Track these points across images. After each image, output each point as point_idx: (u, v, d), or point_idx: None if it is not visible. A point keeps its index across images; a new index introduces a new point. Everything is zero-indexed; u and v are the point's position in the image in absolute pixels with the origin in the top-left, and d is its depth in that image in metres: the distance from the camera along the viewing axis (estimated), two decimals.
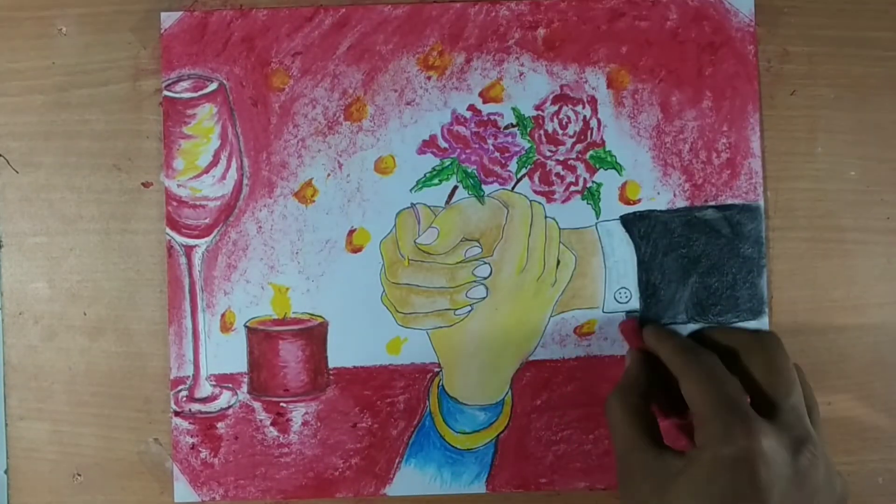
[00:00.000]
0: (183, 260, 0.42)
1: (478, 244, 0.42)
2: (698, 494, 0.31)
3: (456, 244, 0.42)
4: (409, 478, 0.42)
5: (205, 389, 0.42)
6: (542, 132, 0.42)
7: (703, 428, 0.33)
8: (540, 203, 0.42)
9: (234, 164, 0.42)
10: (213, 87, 0.42)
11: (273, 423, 0.42)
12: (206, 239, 0.42)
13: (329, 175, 0.42)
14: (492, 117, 0.42)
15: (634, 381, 0.37)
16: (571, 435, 0.42)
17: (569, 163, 0.42)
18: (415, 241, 0.42)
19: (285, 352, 0.42)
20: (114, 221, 0.42)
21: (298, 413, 0.42)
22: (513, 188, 0.42)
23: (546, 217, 0.42)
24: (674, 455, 0.33)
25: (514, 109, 0.42)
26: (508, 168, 0.42)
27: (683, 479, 0.32)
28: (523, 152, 0.42)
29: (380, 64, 0.42)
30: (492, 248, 0.42)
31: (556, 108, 0.42)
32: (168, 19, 0.42)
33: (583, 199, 0.42)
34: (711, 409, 0.33)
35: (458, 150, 0.42)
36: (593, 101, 0.42)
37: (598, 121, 0.42)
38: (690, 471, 0.32)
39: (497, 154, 0.42)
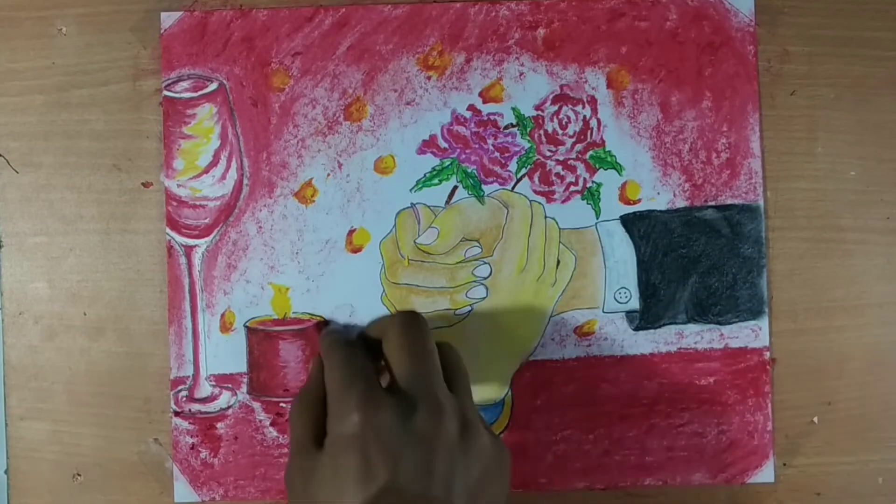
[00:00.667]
0: (183, 260, 0.42)
1: (478, 244, 0.42)
2: (328, 482, 0.32)
3: (456, 244, 0.42)
4: None
5: (205, 389, 0.42)
6: (542, 132, 0.42)
7: (329, 414, 0.33)
8: (540, 203, 0.42)
9: (234, 164, 0.42)
10: (213, 87, 0.42)
11: (273, 424, 0.42)
12: (206, 239, 0.42)
13: (329, 175, 0.42)
14: (492, 117, 0.42)
15: (312, 385, 0.37)
16: (571, 435, 0.42)
17: (569, 163, 0.42)
18: (415, 241, 0.42)
19: (285, 352, 0.42)
20: (114, 221, 0.42)
21: None
22: (513, 188, 0.42)
23: (546, 217, 0.42)
24: (318, 449, 0.33)
25: (514, 109, 0.42)
26: (508, 168, 0.42)
27: (319, 469, 0.32)
28: (523, 152, 0.42)
29: (380, 64, 0.42)
30: (492, 248, 0.42)
31: (556, 108, 0.42)
32: (168, 19, 0.42)
33: (583, 199, 0.42)
34: (332, 391, 0.33)
35: (458, 150, 0.42)
36: (593, 101, 0.42)
37: (598, 121, 0.42)
38: (322, 459, 0.32)
39: (497, 154, 0.42)
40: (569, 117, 0.42)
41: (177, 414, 0.42)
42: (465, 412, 0.33)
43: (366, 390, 0.33)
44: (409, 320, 0.36)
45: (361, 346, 0.37)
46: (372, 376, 0.34)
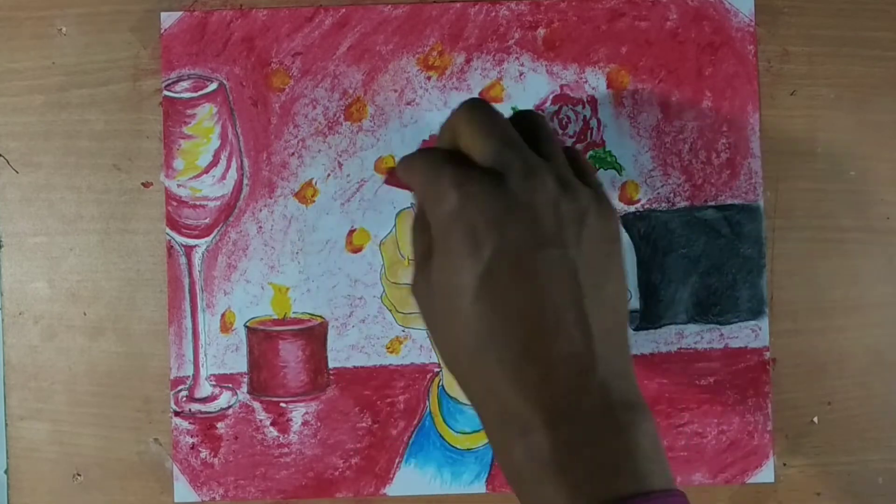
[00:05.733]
0: (183, 260, 0.42)
1: None
2: (442, 269, 0.31)
3: None
4: (409, 478, 0.42)
5: (205, 389, 0.42)
6: None
7: (427, 210, 0.32)
8: None
9: (234, 164, 0.42)
10: (213, 87, 0.42)
11: (273, 423, 0.42)
12: (206, 239, 0.42)
13: (329, 175, 0.42)
14: None
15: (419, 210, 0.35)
16: None
17: None
18: None
19: (285, 352, 0.42)
20: (114, 221, 0.42)
21: (298, 413, 0.42)
22: None
23: None
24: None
25: (514, 109, 0.42)
26: None
27: (433, 262, 0.31)
28: None
29: (380, 64, 0.42)
30: None
31: (556, 108, 0.42)
32: (168, 19, 0.42)
33: None
34: (423, 184, 0.32)
35: None
36: (593, 101, 0.42)
37: (598, 121, 0.42)
38: (434, 247, 0.31)
39: None
40: (569, 117, 0.42)
41: (177, 414, 0.42)
42: (558, 171, 0.32)
43: (455, 168, 0.31)
44: (471, 104, 0.33)
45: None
46: (460, 158, 0.32)
